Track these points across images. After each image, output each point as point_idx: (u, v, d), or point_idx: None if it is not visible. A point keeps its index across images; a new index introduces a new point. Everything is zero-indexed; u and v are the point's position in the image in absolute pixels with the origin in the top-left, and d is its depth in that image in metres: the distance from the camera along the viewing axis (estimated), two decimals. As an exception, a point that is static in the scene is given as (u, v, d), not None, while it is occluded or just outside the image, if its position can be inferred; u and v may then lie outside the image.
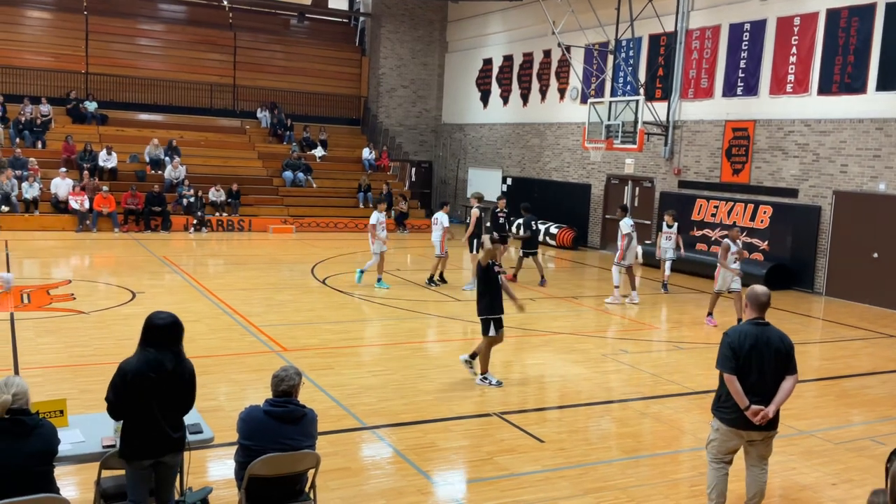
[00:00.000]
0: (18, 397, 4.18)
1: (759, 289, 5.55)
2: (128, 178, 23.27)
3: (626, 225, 14.69)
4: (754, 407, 5.28)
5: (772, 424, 5.43)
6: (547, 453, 7.02)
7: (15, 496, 3.99)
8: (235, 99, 28.88)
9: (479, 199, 15.90)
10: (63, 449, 4.54)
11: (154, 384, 4.60)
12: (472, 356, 9.17)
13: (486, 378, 9.03)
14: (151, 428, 4.64)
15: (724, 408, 5.47)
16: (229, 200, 23.85)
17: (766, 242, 17.92)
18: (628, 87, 21.36)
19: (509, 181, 26.89)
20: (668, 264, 16.13)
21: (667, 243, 15.96)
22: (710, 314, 13.14)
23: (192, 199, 23.09)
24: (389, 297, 14.03)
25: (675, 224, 15.94)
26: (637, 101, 18.87)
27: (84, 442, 4.85)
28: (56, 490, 4.31)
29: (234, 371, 9.13)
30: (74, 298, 12.67)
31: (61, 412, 5.02)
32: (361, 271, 15.17)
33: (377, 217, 14.94)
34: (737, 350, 5.33)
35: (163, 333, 4.70)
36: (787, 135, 17.68)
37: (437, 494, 6.19)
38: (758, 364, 5.33)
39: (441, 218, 15.48)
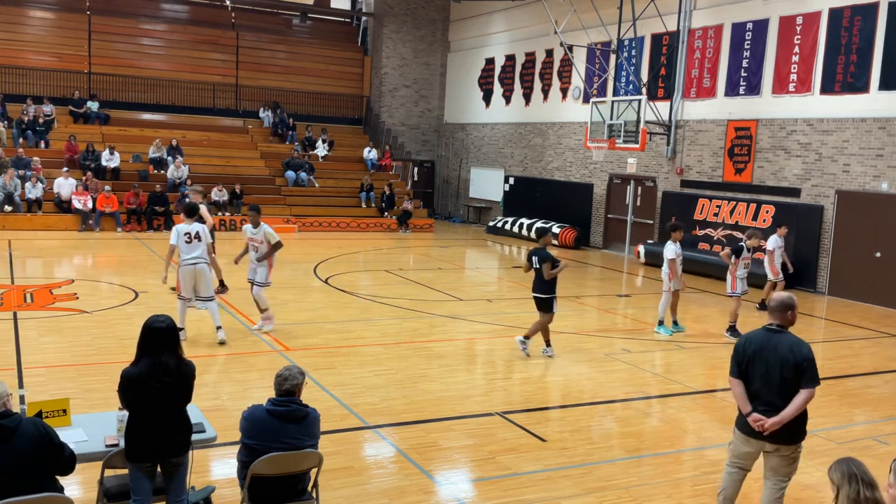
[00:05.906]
0: None
1: (776, 294, 5.39)
2: (130, 178, 23.30)
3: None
4: (755, 415, 5.13)
5: (781, 437, 5.12)
6: (549, 453, 7.02)
7: (14, 496, 3.98)
8: (238, 99, 28.91)
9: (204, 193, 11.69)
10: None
11: (157, 390, 4.63)
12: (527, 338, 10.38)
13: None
14: (156, 431, 4.66)
15: (738, 412, 5.38)
16: (232, 200, 23.88)
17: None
18: (630, 87, 21.34)
19: (511, 181, 26.88)
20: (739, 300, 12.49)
21: (743, 272, 12.43)
22: None
23: (194, 199, 23.11)
24: (391, 296, 13.98)
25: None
26: (639, 101, 18.88)
27: (87, 441, 4.86)
28: (59, 489, 4.32)
29: (237, 370, 9.15)
30: (77, 298, 12.69)
31: (64, 411, 5.04)
32: (662, 320, 12.30)
33: (674, 250, 11.87)
34: (739, 354, 5.26)
35: (163, 336, 4.71)
36: (789, 134, 17.66)
37: (440, 494, 6.19)
38: (761, 372, 5.15)
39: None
